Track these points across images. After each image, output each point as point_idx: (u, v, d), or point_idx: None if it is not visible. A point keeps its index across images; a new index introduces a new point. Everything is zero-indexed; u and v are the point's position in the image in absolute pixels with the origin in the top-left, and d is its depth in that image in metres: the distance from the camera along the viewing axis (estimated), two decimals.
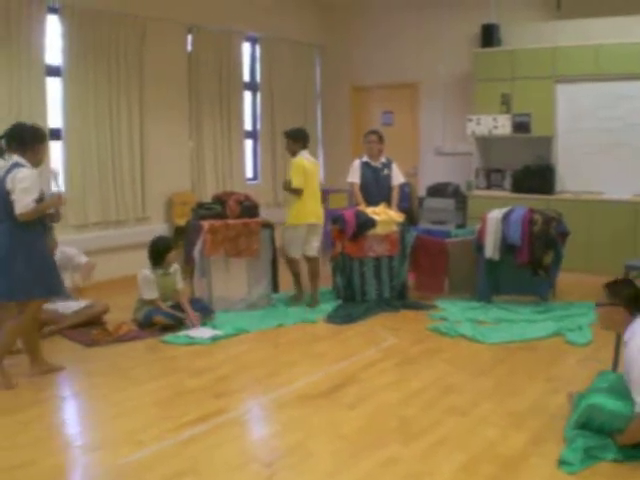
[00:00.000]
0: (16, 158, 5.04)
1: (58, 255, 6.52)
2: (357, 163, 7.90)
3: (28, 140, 5.08)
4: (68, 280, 6.64)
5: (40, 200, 5.05)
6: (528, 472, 3.82)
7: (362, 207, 7.57)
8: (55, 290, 5.34)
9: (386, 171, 7.86)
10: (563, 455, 3.90)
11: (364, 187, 7.82)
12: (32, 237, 5.08)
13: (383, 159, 7.92)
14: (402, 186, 8.05)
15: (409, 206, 8.22)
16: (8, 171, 4.99)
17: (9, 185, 4.94)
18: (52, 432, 4.50)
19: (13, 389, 5.11)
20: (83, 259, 6.82)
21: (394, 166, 7.93)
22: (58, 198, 5.30)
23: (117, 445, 4.19)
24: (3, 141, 5.16)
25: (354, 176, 7.85)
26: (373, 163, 7.85)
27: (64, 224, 7.87)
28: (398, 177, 7.91)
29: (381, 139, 7.89)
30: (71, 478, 3.86)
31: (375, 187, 7.79)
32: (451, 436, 4.29)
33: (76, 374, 5.58)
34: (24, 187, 4.92)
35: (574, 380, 5.16)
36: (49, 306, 6.32)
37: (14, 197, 4.93)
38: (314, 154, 11.47)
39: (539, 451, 4.04)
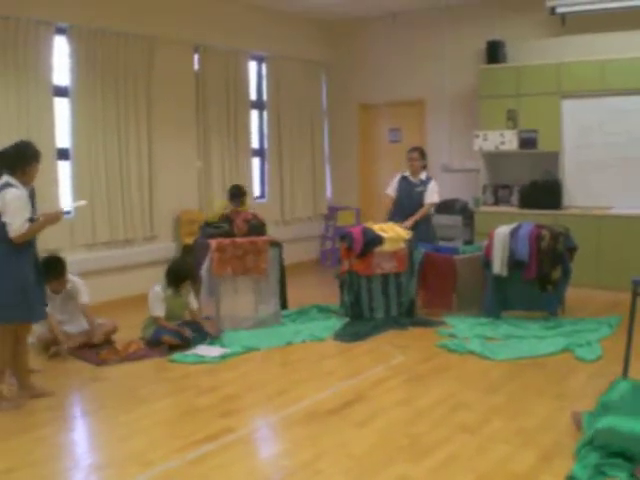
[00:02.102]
0: (6, 178, 4.94)
1: (68, 287, 6.53)
2: (397, 177, 8.29)
3: (16, 160, 4.98)
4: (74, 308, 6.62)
5: (32, 220, 4.96)
6: None
7: (369, 224, 7.64)
8: (37, 315, 5.18)
9: (421, 188, 8.12)
10: (573, 471, 3.86)
11: (398, 200, 8.20)
12: (20, 260, 4.94)
13: (423, 176, 8.20)
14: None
15: (432, 233, 8.38)
16: None
17: None
18: (61, 451, 4.50)
19: (19, 408, 5.10)
20: (84, 298, 6.62)
21: (431, 185, 8.17)
22: (54, 216, 5.17)
23: (125, 465, 4.18)
24: None
25: (390, 189, 8.29)
26: (412, 178, 8.16)
27: (73, 244, 7.93)
28: (430, 196, 8.15)
29: (423, 156, 8.24)
30: None
31: (407, 201, 8.11)
32: (461, 454, 4.27)
33: (85, 394, 5.58)
34: (15, 208, 4.83)
35: (584, 396, 5.13)
36: (53, 326, 6.32)
37: (6, 220, 4.83)
38: (321, 171, 11.57)
39: (550, 468, 4.00)
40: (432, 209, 8.48)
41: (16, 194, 4.88)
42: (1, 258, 4.92)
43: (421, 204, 8.10)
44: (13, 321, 5.04)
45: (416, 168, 8.16)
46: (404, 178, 8.23)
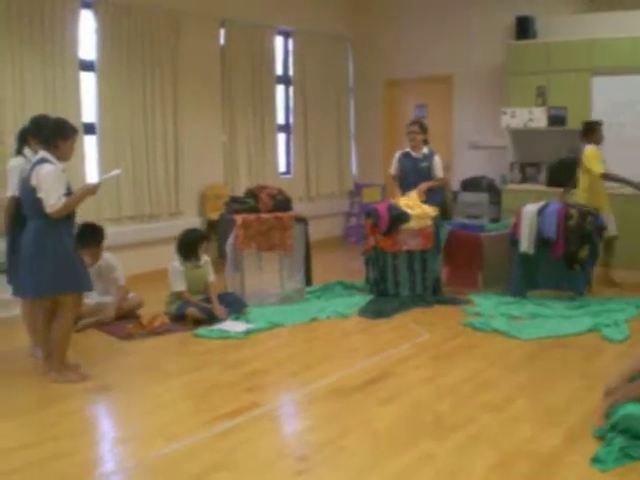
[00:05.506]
0: (42, 153, 4.98)
1: (101, 262, 6.58)
2: (397, 154, 8.07)
3: (49, 135, 5.00)
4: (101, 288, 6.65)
5: (68, 194, 4.98)
6: (563, 470, 3.77)
7: (396, 200, 7.57)
8: (82, 285, 5.20)
9: (425, 163, 7.87)
10: (597, 453, 3.85)
11: (403, 177, 7.96)
12: (59, 233, 4.99)
13: (425, 150, 7.95)
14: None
15: (442, 200, 8.14)
16: (32, 167, 4.93)
17: (34, 182, 4.87)
18: (87, 424, 4.56)
19: (87, 379, 5.17)
20: (121, 280, 6.77)
21: (436, 159, 7.91)
22: (90, 188, 5.19)
23: (150, 438, 4.21)
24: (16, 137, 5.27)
25: (392, 167, 8.08)
26: (414, 154, 7.92)
27: (99, 218, 7.95)
28: (437, 171, 7.89)
29: (423, 129, 7.95)
30: (105, 470, 3.87)
31: (413, 178, 7.83)
32: (486, 432, 4.25)
33: (111, 367, 5.61)
34: (49, 184, 4.84)
35: (610, 377, 5.08)
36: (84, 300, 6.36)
37: (41, 195, 4.85)
38: (347, 148, 11.50)
39: (575, 449, 3.98)
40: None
41: (50, 170, 4.89)
42: (41, 233, 4.95)
43: (429, 179, 7.81)
44: (62, 292, 5.06)
45: (417, 142, 7.87)
46: (405, 155, 7.96)
